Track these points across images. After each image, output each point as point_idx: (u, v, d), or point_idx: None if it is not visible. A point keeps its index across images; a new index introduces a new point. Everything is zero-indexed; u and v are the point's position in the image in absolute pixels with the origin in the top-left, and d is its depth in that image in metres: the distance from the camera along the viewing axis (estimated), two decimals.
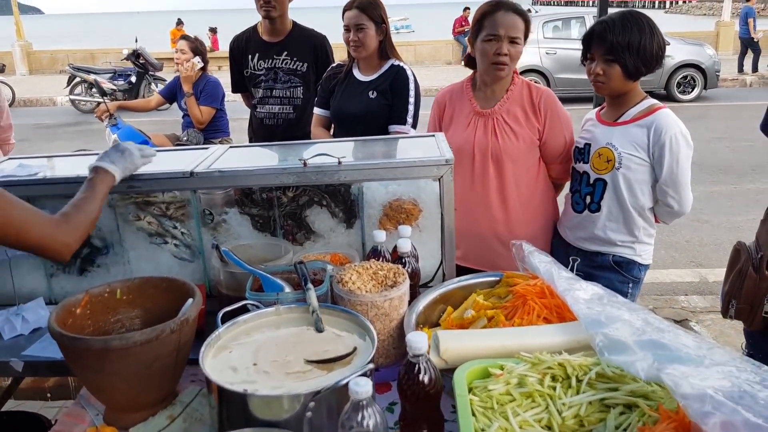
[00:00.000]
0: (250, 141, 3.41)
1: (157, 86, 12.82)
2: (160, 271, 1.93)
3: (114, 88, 12.43)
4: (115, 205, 1.92)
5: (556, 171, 2.32)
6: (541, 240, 2.30)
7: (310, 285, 1.46)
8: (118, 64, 13.38)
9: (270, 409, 1.14)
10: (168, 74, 13.82)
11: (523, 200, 2.26)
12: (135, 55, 12.56)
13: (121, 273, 1.97)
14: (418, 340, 1.10)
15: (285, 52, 3.12)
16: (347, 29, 2.69)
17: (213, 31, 17.26)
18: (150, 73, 12.71)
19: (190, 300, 1.45)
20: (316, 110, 2.94)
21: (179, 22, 17.96)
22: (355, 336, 1.33)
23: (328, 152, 1.85)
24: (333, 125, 2.93)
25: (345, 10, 2.72)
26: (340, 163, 1.78)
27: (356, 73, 2.80)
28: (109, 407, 1.41)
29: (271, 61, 3.13)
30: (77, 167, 2.01)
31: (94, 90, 12.57)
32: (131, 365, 1.31)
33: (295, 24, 3.19)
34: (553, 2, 78.98)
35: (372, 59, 2.74)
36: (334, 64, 3.00)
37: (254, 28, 3.23)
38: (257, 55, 3.15)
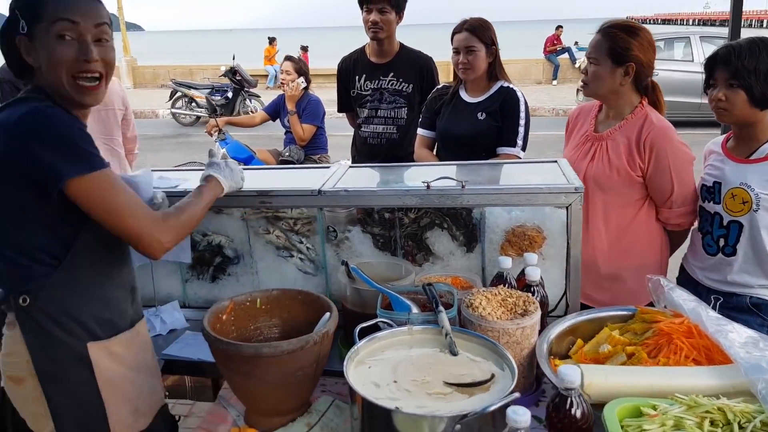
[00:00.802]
0: (353, 159, 3.51)
1: (251, 102, 13.38)
2: (284, 283, 2.03)
3: (211, 103, 13.06)
4: (247, 219, 2.05)
5: (664, 216, 2.17)
6: (628, 283, 2.16)
7: (441, 308, 1.50)
8: (215, 80, 14.04)
9: (414, 428, 1.18)
10: (261, 90, 14.42)
11: (611, 236, 2.16)
12: (232, 72, 13.16)
13: (249, 283, 2.09)
14: (570, 373, 1.11)
15: (391, 73, 3.20)
16: (456, 51, 2.74)
17: (304, 49, 17.83)
18: (245, 89, 13.28)
19: (328, 314, 1.53)
20: (421, 131, 3.00)
21: (272, 40, 18.68)
22: (491, 363, 1.36)
23: (450, 175, 1.90)
24: (437, 146, 2.98)
25: (455, 32, 2.77)
26: (463, 186, 1.82)
27: (463, 94, 2.84)
28: (251, 410, 1.50)
29: (377, 81, 3.22)
30: None
31: (193, 104, 13.26)
32: (277, 372, 1.39)
33: (402, 46, 3.26)
34: (649, 21, 76.48)
35: (481, 81, 2.78)
36: (439, 86, 3.06)
37: (362, 50, 3.33)
38: (364, 75, 3.25)
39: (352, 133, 3.50)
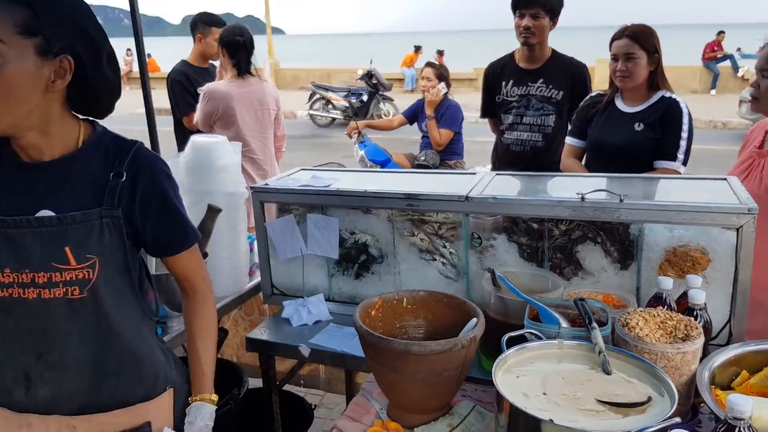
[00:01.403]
0: (493, 166, 3.48)
1: (385, 105, 13.70)
2: (425, 285, 2.06)
3: (347, 105, 13.53)
4: (393, 220, 2.10)
5: None
6: None
7: (595, 324, 1.45)
8: (351, 83, 14.52)
9: None
10: (395, 94, 14.71)
11: (764, 262, 1.93)
12: (368, 76, 13.56)
13: (390, 282, 2.15)
14: (741, 403, 1.04)
15: (541, 80, 3.12)
16: (615, 58, 2.63)
17: (440, 53, 17.98)
18: (380, 92, 13.62)
19: (474, 320, 1.54)
20: (569, 140, 2.91)
21: (417, 49, 18.91)
22: (647, 386, 1.30)
23: (602, 187, 1.83)
24: (586, 156, 2.88)
25: (614, 38, 2.66)
26: (621, 200, 1.76)
27: (619, 103, 2.72)
28: (394, 405, 1.54)
29: (525, 87, 3.16)
30: (361, 182, 2.23)
31: (330, 106, 13.81)
32: (424, 371, 1.42)
33: (554, 51, 3.18)
34: None
35: (639, 90, 2.65)
36: (592, 93, 2.95)
37: (511, 55, 3.27)
38: (511, 81, 3.20)
39: (494, 140, 3.47)
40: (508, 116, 3.24)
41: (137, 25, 3.51)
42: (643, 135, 2.58)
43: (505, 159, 3.31)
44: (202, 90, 3.52)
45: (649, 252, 1.78)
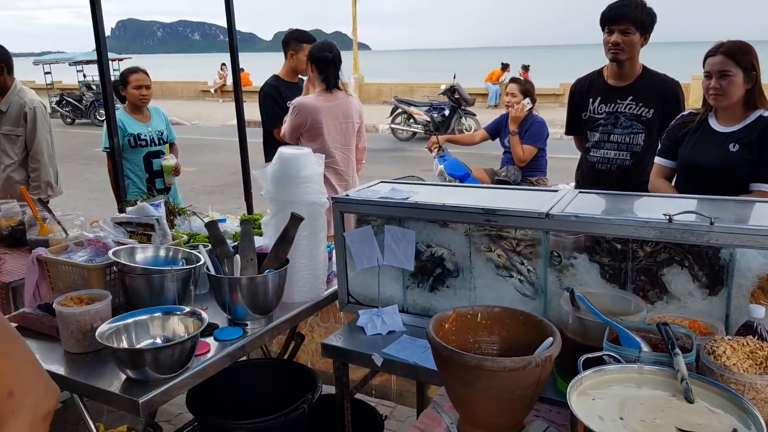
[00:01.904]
0: (577, 184, 3.40)
1: (466, 120, 13.66)
2: (501, 302, 2.03)
3: (428, 120, 13.59)
4: (470, 235, 2.10)
5: None
6: None
7: (678, 350, 1.40)
8: (433, 98, 14.58)
9: None
10: (477, 109, 14.64)
11: None
12: (451, 91, 13.58)
13: (465, 297, 2.14)
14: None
15: (630, 97, 3.03)
16: (708, 76, 2.53)
17: (525, 68, 17.76)
18: (462, 107, 13.60)
19: (551, 339, 1.51)
20: (659, 160, 2.81)
21: (505, 67, 18.79)
22: (732, 417, 1.24)
23: (691, 209, 1.76)
24: (677, 177, 2.77)
25: (708, 55, 2.55)
26: (712, 223, 1.68)
27: (713, 122, 2.61)
28: (464, 419, 1.54)
29: (613, 105, 3.08)
30: (439, 195, 2.25)
31: (411, 121, 13.91)
32: (496, 387, 1.41)
33: (644, 68, 3.08)
34: None
35: (735, 109, 2.53)
36: (684, 112, 2.84)
37: (599, 72, 3.20)
38: (599, 98, 3.12)
39: (578, 157, 3.40)
40: (594, 133, 3.16)
41: (233, 41, 3.71)
42: (739, 156, 2.45)
43: (590, 177, 3.23)
44: (292, 104, 3.65)
45: (740, 278, 1.69)
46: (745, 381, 1.30)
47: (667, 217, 1.74)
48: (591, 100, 3.15)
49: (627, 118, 3.04)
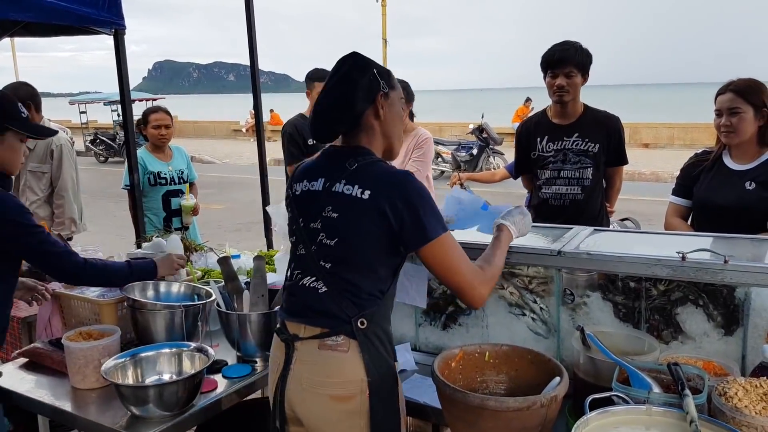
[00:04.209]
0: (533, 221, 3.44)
1: (494, 159, 13.66)
2: (513, 340, 2.00)
3: (456, 159, 13.63)
4: None
5: None
6: None
7: (688, 392, 1.35)
8: (462, 137, 14.64)
9: None
10: (505, 149, 14.65)
11: None
12: (479, 130, 13.62)
13: (477, 335, 2.11)
14: None
15: (576, 134, 3.11)
16: (719, 114, 2.53)
17: None
18: (490, 146, 13.62)
19: (558, 378, 1.48)
20: (673, 198, 2.78)
21: (527, 100, 18.90)
22: None
23: (710, 247, 1.72)
24: (693, 216, 2.72)
25: (718, 93, 2.56)
26: (726, 261, 1.64)
27: (727, 160, 2.58)
28: None
29: (560, 142, 3.14)
30: (454, 233, 2.23)
31: (439, 159, 13.97)
32: (500, 428, 1.38)
33: (586, 106, 3.18)
34: None
35: (748, 146, 2.50)
36: (698, 151, 2.82)
37: (543, 112, 3.30)
38: (546, 137, 3.19)
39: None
40: (545, 171, 3.20)
41: (256, 83, 3.81)
42: (756, 194, 2.41)
43: (544, 213, 3.24)
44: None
45: (756, 317, 1.64)
46: (758, 423, 1.25)
47: (681, 254, 1.71)
48: (539, 139, 3.20)
49: (575, 153, 3.10)
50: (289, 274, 1.74)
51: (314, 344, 1.59)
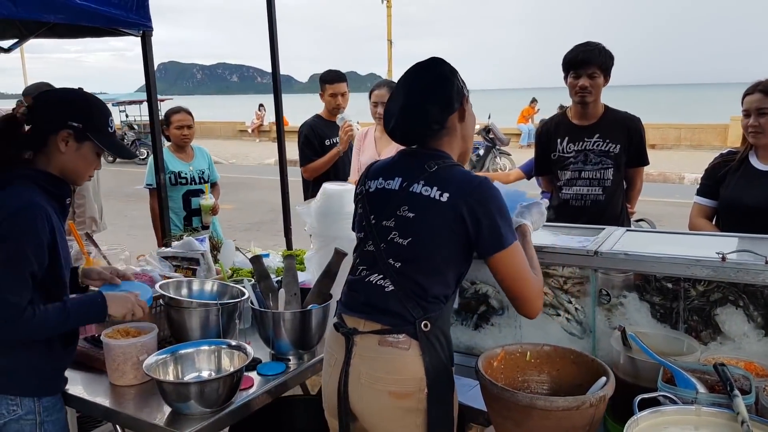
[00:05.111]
0: (553, 222, 3.42)
1: (501, 159, 13.66)
2: (547, 341, 1.97)
3: None
4: None
5: None
6: None
7: (737, 392, 1.35)
8: None
9: None
10: (512, 149, 14.64)
11: None
12: (486, 130, 13.61)
13: (510, 335, 2.11)
14: None
15: (597, 135, 3.12)
16: (746, 114, 2.54)
17: (562, 108, 17.75)
18: (497, 147, 13.61)
19: (604, 378, 1.48)
20: (698, 199, 2.78)
21: (533, 101, 18.90)
22: None
23: (749, 248, 1.72)
24: (719, 216, 2.72)
25: (746, 94, 2.56)
26: (767, 262, 1.64)
27: (754, 160, 2.58)
28: None
29: (581, 143, 3.15)
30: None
31: None
32: (549, 427, 1.38)
33: (606, 107, 3.19)
34: None
35: None
36: (724, 151, 2.82)
37: (564, 113, 3.31)
38: (567, 138, 3.19)
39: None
40: (565, 172, 3.21)
41: (277, 84, 3.81)
42: None
43: (564, 214, 3.23)
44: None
45: None
46: None
47: (721, 255, 1.71)
48: (559, 140, 3.21)
49: (596, 154, 3.11)
50: (352, 270, 1.74)
51: (374, 339, 1.59)
